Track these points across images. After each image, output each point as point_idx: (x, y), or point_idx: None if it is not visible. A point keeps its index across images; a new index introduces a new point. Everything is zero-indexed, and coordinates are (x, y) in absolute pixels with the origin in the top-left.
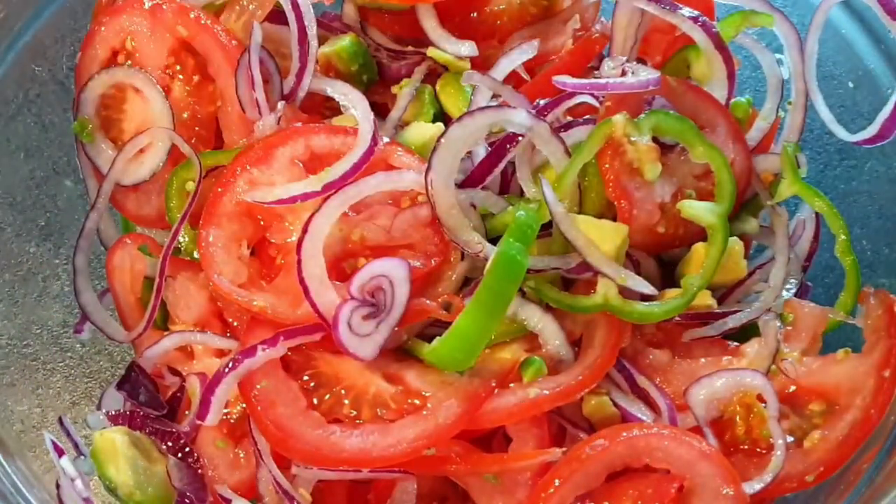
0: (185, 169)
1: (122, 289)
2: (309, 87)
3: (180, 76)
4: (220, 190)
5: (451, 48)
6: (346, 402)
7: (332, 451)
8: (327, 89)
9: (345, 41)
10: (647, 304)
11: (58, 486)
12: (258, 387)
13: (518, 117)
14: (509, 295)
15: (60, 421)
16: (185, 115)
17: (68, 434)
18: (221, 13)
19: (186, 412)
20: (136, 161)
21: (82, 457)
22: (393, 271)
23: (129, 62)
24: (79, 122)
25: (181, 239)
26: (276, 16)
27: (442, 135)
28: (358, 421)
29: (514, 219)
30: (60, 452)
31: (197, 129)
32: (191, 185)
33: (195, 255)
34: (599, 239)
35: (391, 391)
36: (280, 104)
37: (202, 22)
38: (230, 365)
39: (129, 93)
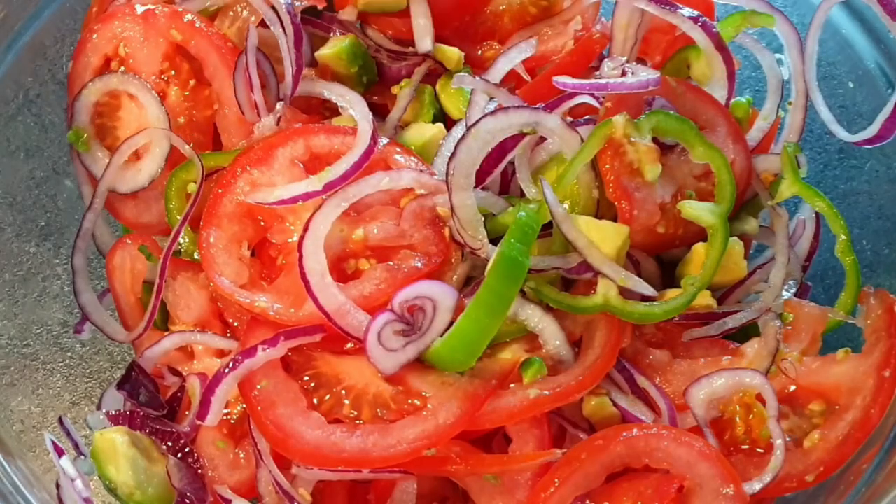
0: (185, 170)
1: (122, 289)
2: (306, 90)
3: (175, 81)
4: (220, 191)
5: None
6: (347, 402)
7: (333, 452)
8: (324, 92)
9: (344, 43)
10: (647, 304)
11: (58, 486)
12: (258, 387)
13: (551, 122)
14: (510, 295)
15: (60, 421)
16: (181, 120)
17: (68, 434)
18: (215, 19)
19: (187, 412)
20: (134, 168)
21: (82, 457)
22: (441, 297)
23: (123, 69)
24: (74, 131)
25: (181, 240)
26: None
27: (473, 124)
28: (358, 421)
29: (515, 219)
30: (60, 452)
31: (194, 133)
32: (192, 187)
33: (195, 256)
34: (600, 240)
35: (391, 391)
36: (278, 104)
37: (196, 25)
38: (230, 365)
39: (124, 100)
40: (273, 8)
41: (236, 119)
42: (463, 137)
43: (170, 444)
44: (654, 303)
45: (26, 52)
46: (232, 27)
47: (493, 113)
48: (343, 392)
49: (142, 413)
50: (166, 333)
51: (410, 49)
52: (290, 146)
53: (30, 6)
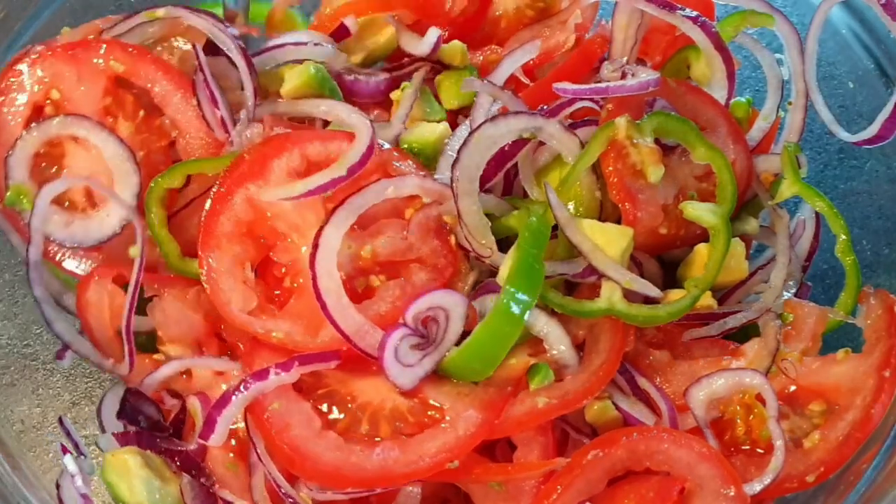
0: (168, 177)
1: (99, 325)
2: (276, 111)
3: (122, 116)
4: (217, 207)
5: (419, 49)
6: (363, 420)
7: (353, 472)
8: (299, 107)
9: (310, 70)
10: (651, 307)
11: (58, 486)
12: (270, 408)
13: (550, 128)
14: (530, 303)
15: (60, 421)
16: (140, 155)
17: (68, 434)
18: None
19: (192, 431)
20: (98, 215)
21: (82, 456)
22: (452, 305)
23: (50, 113)
24: (13, 191)
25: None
26: (208, 49)
27: (474, 130)
28: (377, 438)
29: (527, 224)
30: (66, 451)
31: (159, 167)
32: (134, 251)
33: (183, 269)
34: (605, 243)
35: (408, 405)
36: (242, 113)
37: (137, 52)
38: (240, 387)
39: (68, 146)
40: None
41: (200, 144)
42: (465, 143)
43: (179, 462)
44: (659, 305)
45: None
46: (173, 58)
47: (493, 119)
48: (359, 410)
49: (149, 432)
50: (163, 360)
51: (406, 59)
52: (286, 157)
53: (30, 6)
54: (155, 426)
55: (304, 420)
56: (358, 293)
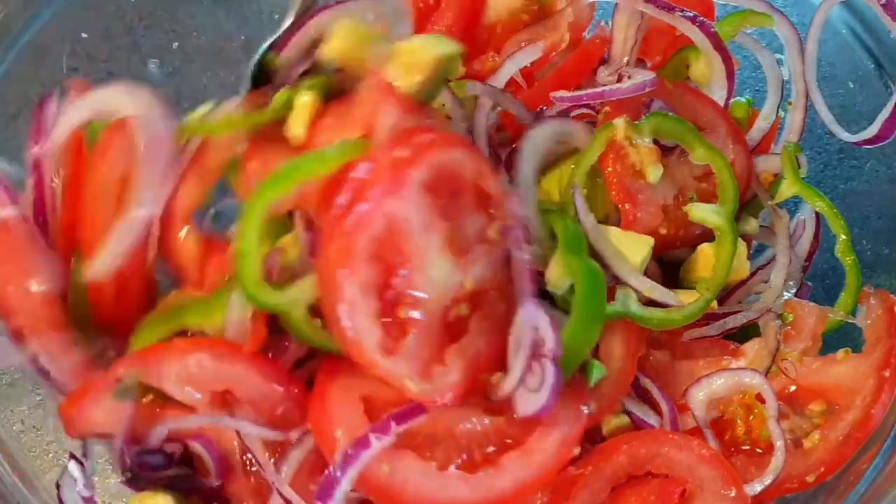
0: (274, 187)
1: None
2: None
3: None
4: (358, 224)
5: None
6: (475, 450)
7: (494, 497)
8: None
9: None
10: (665, 310)
11: (58, 487)
12: (381, 473)
13: (577, 129)
14: (604, 303)
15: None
16: None
17: None
18: None
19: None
20: None
21: (83, 457)
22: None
23: None
24: None
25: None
26: None
27: (524, 136)
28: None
29: (565, 227)
30: (72, 456)
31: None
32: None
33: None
34: (626, 251)
35: (503, 420)
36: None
37: None
38: (342, 463)
39: None
40: None
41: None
42: (519, 152)
43: (203, 498)
44: (672, 308)
45: (26, 52)
46: None
47: (539, 124)
48: (463, 444)
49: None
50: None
51: None
52: (422, 167)
53: (30, 6)
54: (168, 467)
55: (420, 470)
56: (449, 323)
